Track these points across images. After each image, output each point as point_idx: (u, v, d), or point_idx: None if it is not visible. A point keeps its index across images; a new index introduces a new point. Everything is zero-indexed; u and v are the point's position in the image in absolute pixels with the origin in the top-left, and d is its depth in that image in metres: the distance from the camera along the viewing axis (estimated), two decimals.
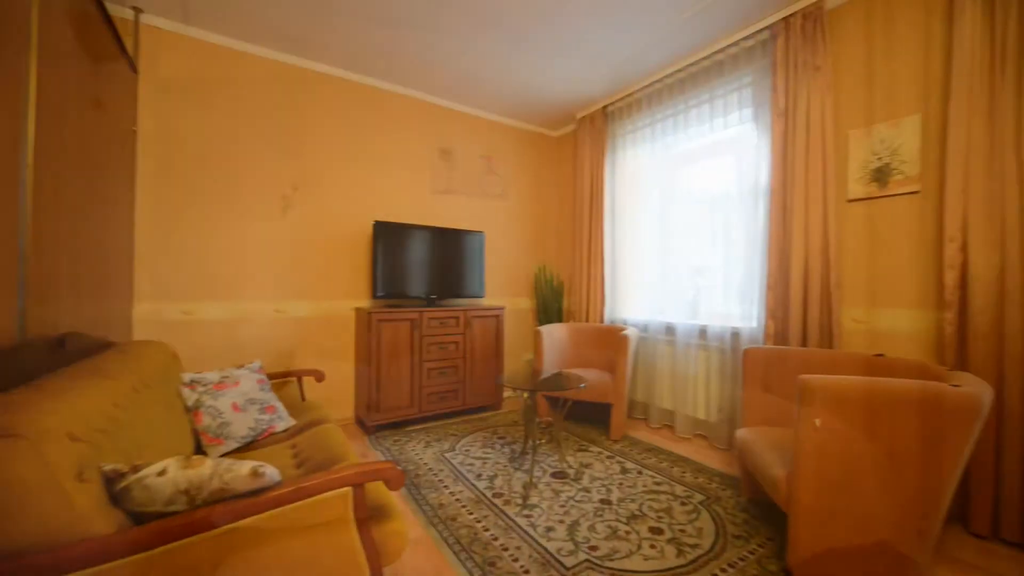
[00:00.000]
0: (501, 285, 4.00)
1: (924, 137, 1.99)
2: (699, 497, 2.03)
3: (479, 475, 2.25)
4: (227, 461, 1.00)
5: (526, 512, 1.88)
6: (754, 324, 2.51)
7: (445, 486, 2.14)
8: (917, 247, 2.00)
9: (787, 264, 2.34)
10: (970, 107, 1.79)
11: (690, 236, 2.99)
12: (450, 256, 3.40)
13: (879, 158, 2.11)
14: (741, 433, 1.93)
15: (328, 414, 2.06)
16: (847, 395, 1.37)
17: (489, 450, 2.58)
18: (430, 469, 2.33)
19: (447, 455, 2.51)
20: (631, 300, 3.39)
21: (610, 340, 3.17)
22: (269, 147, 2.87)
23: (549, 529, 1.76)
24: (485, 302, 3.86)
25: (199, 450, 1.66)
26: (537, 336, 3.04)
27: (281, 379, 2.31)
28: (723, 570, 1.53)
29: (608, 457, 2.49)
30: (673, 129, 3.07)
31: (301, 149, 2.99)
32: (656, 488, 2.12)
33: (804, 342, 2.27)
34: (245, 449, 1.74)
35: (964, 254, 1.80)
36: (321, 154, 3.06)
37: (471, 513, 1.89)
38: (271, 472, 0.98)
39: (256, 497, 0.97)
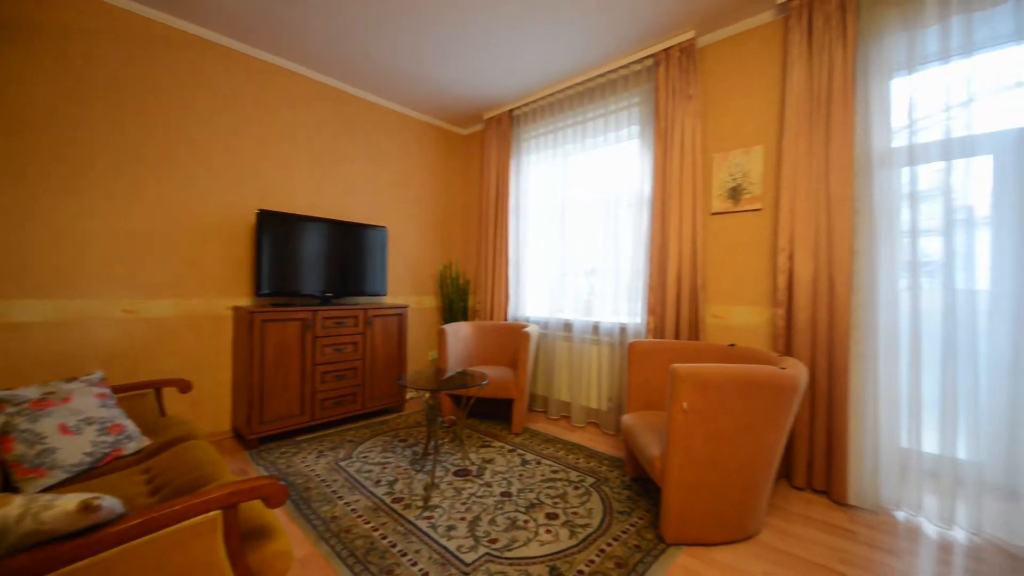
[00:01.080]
0: (405, 283, 3.87)
1: (765, 164, 2.41)
2: (590, 480, 2.20)
3: (378, 481, 2.15)
4: (46, 497, 0.81)
5: (427, 514, 1.86)
6: (638, 320, 2.80)
7: (339, 497, 2.00)
8: (759, 255, 2.42)
9: (664, 267, 2.66)
10: (796, 144, 2.22)
11: (586, 239, 3.22)
12: (349, 252, 3.20)
13: (734, 179, 2.51)
14: (626, 419, 2.14)
15: (196, 429, 1.79)
16: (707, 380, 1.60)
17: (390, 454, 2.49)
18: (323, 480, 2.17)
19: (342, 463, 2.36)
20: (533, 299, 3.54)
21: (513, 337, 3.27)
22: (123, 113, 2.39)
23: (450, 528, 1.76)
24: (388, 300, 3.70)
25: (9, 486, 1.32)
26: (441, 335, 3.01)
27: (132, 392, 1.95)
28: (608, 544, 1.68)
29: (510, 451, 2.57)
30: (572, 138, 3.28)
31: (167, 120, 2.54)
32: (553, 476, 2.24)
33: (677, 335, 2.60)
34: (80, 479, 1.44)
35: (791, 262, 2.22)
36: (192, 129, 2.65)
37: (368, 522, 1.80)
38: (110, 504, 0.83)
39: (89, 536, 0.81)
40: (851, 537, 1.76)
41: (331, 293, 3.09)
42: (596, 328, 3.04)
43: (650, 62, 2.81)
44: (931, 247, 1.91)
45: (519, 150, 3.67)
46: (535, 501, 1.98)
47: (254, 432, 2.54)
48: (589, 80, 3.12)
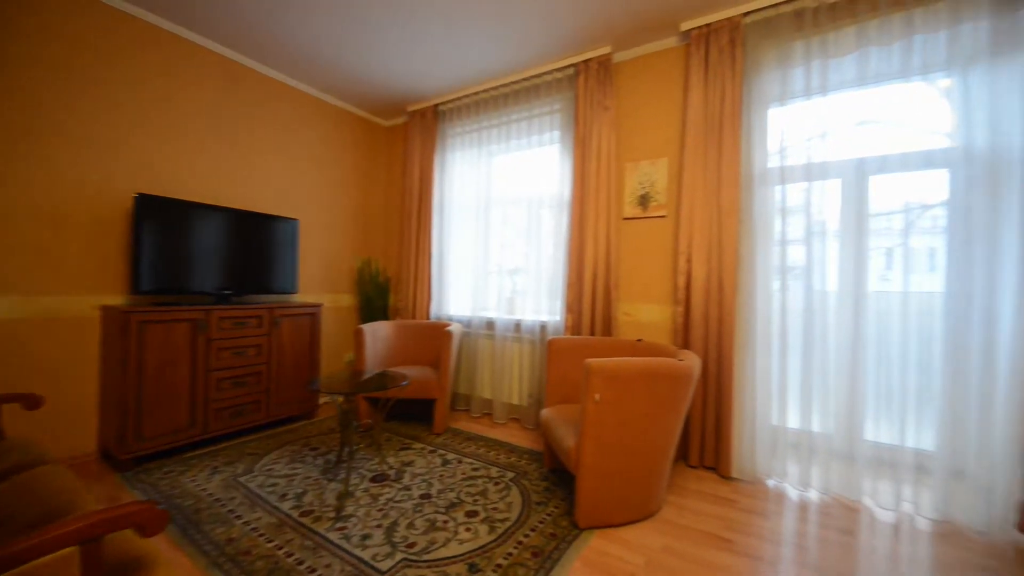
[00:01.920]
0: (319, 280, 3.61)
1: (669, 176, 2.65)
2: (510, 475, 2.25)
3: (284, 495, 1.99)
4: None
5: (340, 525, 1.76)
6: (558, 318, 2.92)
7: (238, 516, 1.82)
8: (663, 258, 2.65)
9: (582, 267, 2.80)
10: (694, 159, 2.46)
11: (510, 239, 3.28)
12: (254, 245, 2.90)
13: (643, 187, 2.72)
14: (544, 412, 2.22)
15: (48, 453, 1.50)
16: (617, 373, 1.72)
17: (299, 465, 2.31)
18: (217, 500, 1.94)
19: (242, 479, 2.14)
20: (456, 297, 3.51)
21: (435, 336, 3.22)
22: None
23: (365, 537, 1.68)
24: (298, 299, 3.43)
25: None
26: (359, 335, 2.86)
27: None
28: (526, 536, 1.73)
29: (430, 451, 2.53)
30: (497, 138, 3.31)
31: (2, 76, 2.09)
32: (474, 474, 2.25)
33: (592, 332, 2.76)
34: None
35: (689, 265, 2.47)
36: (40, 91, 2.20)
37: (271, 541, 1.65)
38: None
39: None
40: (733, 506, 2.01)
41: (230, 290, 2.78)
42: (518, 326, 3.11)
43: (571, 71, 2.94)
44: (796, 254, 2.25)
45: (444, 146, 3.61)
46: (455, 500, 1.98)
47: (129, 451, 2.20)
48: (514, 83, 3.17)
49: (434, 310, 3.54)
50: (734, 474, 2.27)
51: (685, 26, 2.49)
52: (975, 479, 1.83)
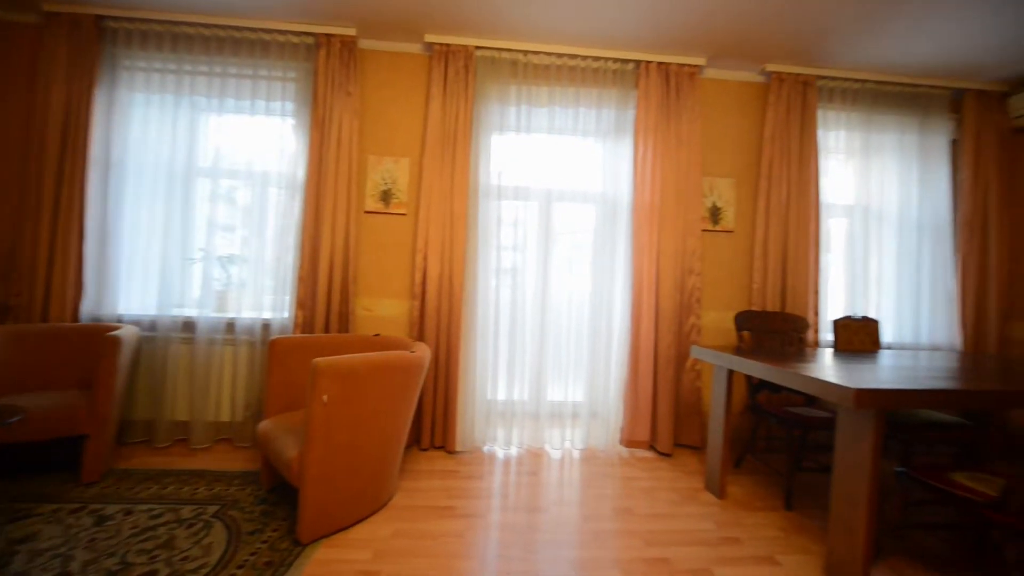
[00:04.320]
0: None
1: (411, 176, 2.76)
2: (213, 509, 1.83)
3: None
4: None
5: None
6: (285, 315, 2.58)
7: None
8: (403, 254, 2.75)
9: (317, 259, 2.57)
10: (432, 166, 2.65)
11: (222, 219, 2.66)
12: None
13: (386, 183, 2.74)
14: (263, 425, 1.92)
15: None
16: (347, 370, 1.66)
17: None
18: None
19: None
20: (133, 290, 2.59)
21: (89, 345, 2.28)
22: None
23: None
24: None
25: None
26: None
27: None
28: (232, 575, 1.45)
29: (74, 511, 1.77)
30: (208, 89, 2.63)
31: None
32: (152, 523, 1.71)
33: (327, 329, 2.57)
34: None
35: (425, 262, 2.64)
36: None
37: None
38: None
39: None
40: (456, 476, 2.29)
41: None
42: (231, 326, 2.57)
43: (311, 40, 2.64)
44: (508, 258, 2.75)
45: (115, 79, 2.59)
46: (117, 567, 1.45)
47: None
48: (233, 28, 2.59)
49: (88, 308, 2.49)
50: (458, 448, 2.58)
51: (429, 39, 2.65)
52: (602, 416, 2.72)
